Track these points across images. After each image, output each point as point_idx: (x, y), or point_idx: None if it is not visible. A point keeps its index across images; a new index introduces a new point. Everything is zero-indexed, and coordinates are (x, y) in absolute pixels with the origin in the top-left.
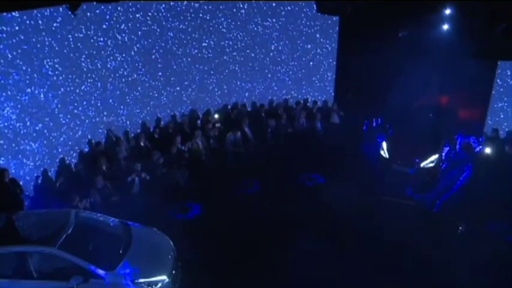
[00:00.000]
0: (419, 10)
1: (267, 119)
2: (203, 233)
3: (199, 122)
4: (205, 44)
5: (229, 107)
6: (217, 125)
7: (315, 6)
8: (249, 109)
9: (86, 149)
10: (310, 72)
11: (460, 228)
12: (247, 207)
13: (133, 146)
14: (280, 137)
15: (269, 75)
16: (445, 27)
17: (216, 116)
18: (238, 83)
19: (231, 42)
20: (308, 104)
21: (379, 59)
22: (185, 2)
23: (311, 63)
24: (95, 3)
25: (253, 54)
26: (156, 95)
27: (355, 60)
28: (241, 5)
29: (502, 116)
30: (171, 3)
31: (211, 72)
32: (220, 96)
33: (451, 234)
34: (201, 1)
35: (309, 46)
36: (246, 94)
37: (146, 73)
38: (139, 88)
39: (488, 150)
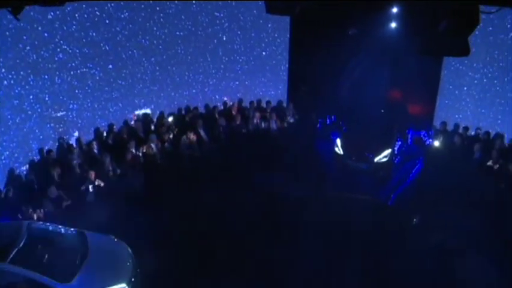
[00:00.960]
0: (367, 9)
1: (220, 120)
2: (162, 239)
3: (153, 126)
4: (157, 35)
5: (183, 110)
6: (171, 129)
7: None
8: (202, 111)
9: (37, 158)
10: (263, 62)
11: (415, 219)
12: (205, 210)
13: (86, 152)
14: (235, 139)
15: (222, 66)
16: (393, 25)
17: (170, 119)
18: (191, 75)
19: (182, 33)
20: (262, 105)
21: (330, 57)
22: None
23: (264, 53)
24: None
25: (203, 45)
26: (106, 88)
27: (306, 59)
28: None
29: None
30: None
31: (164, 64)
32: (173, 88)
33: (406, 226)
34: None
35: (262, 35)
36: (199, 86)
37: (96, 66)
38: (89, 82)
39: (437, 143)
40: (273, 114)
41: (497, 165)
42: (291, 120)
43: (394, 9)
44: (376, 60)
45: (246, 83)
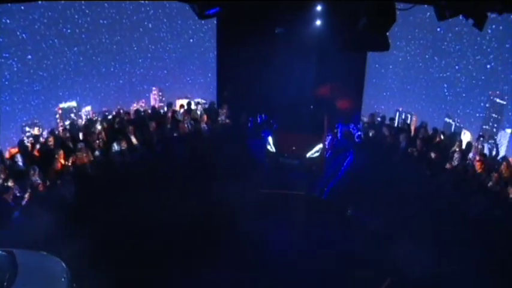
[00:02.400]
0: (292, 8)
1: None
2: (97, 252)
3: (81, 134)
4: (79, 24)
5: (110, 116)
6: (101, 136)
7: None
8: (132, 117)
9: None
10: (191, 49)
11: (349, 211)
12: (140, 219)
13: (9, 166)
14: (167, 143)
15: (149, 55)
16: (318, 23)
17: (99, 127)
18: (117, 65)
19: (106, 22)
20: (193, 107)
21: (258, 56)
22: None
23: (191, 40)
24: None
25: (128, 33)
26: (26, 80)
27: (234, 58)
28: None
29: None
30: None
31: (88, 54)
32: (98, 80)
33: (340, 218)
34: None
35: (189, 22)
36: (126, 77)
37: (13, 56)
38: (6, 73)
39: (366, 136)
40: (203, 116)
41: (417, 153)
42: (223, 121)
43: (319, 8)
44: (304, 58)
45: (175, 71)
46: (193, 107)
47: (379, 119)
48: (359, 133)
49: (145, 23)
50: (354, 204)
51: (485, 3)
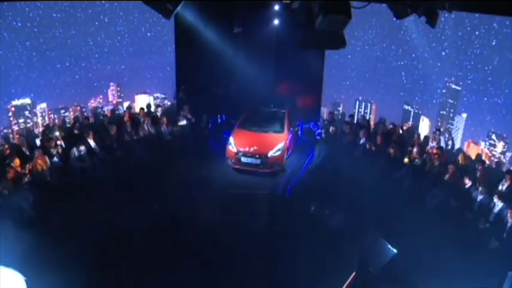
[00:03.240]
0: (250, 7)
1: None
2: (59, 264)
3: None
4: (30, 17)
5: (67, 121)
6: (59, 142)
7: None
8: (91, 121)
9: None
10: (149, 43)
11: (312, 207)
12: (102, 227)
13: None
14: (127, 146)
15: (105, 50)
16: (276, 22)
17: (57, 133)
18: (73, 60)
19: (59, 15)
20: (153, 109)
21: (217, 57)
22: None
23: (149, 34)
24: None
25: (83, 27)
26: None
27: (193, 59)
28: None
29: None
30: None
31: (41, 48)
32: (53, 75)
33: (303, 215)
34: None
35: (146, 15)
36: (82, 72)
37: None
38: None
39: (327, 133)
40: (163, 118)
41: (375, 148)
42: (183, 123)
43: (276, 7)
44: (263, 57)
45: (133, 66)
46: (152, 109)
47: (340, 116)
48: (319, 130)
49: (101, 16)
50: (317, 201)
51: (435, 2)
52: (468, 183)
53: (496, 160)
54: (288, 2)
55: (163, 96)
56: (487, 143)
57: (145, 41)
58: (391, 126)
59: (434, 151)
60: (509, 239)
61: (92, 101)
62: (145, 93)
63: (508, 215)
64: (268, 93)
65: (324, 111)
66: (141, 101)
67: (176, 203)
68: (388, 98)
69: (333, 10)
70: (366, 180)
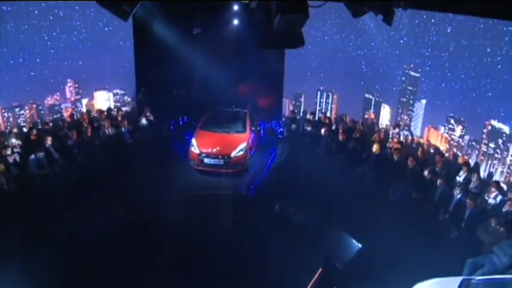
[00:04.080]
0: (208, 8)
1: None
2: (22, 267)
3: None
4: None
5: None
6: (16, 149)
7: None
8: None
9: None
10: (107, 38)
11: (276, 206)
12: (63, 231)
13: None
14: (87, 151)
15: (61, 45)
16: (235, 22)
17: (14, 140)
18: (27, 56)
19: (10, 8)
20: (112, 112)
21: (176, 58)
22: None
23: (106, 29)
24: None
25: (36, 22)
26: None
27: (152, 60)
28: None
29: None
30: None
31: None
32: (7, 72)
33: (268, 214)
34: None
35: (103, 10)
36: (38, 68)
37: None
38: None
39: (289, 131)
40: (124, 121)
41: (335, 144)
42: (144, 122)
43: (236, 7)
44: (223, 58)
45: (91, 62)
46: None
47: (302, 113)
48: (281, 129)
49: (56, 11)
50: (281, 199)
51: (391, 1)
52: (428, 175)
53: (453, 151)
54: (247, 2)
55: (122, 92)
56: (446, 128)
57: (103, 36)
58: (351, 122)
59: (395, 146)
60: (467, 228)
61: (49, 99)
62: (104, 89)
63: (467, 205)
64: (230, 93)
65: (286, 105)
66: (100, 98)
67: (139, 206)
68: (349, 87)
69: (291, 9)
70: (329, 176)
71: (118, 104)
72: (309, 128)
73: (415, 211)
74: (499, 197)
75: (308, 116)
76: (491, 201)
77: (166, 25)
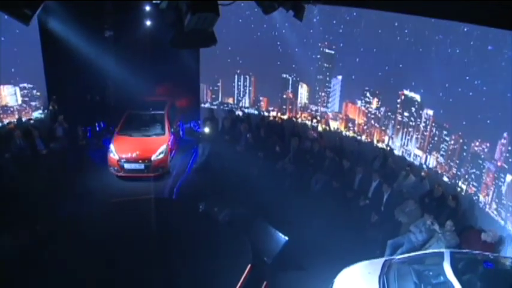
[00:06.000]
0: (118, 10)
1: None
2: None
3: None
4: None
5: None
6: None
7: None
8: None
9: None
10: (12, 30)
11: (201, 207)
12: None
13: None
14: None
15: None
16: (148, 23)
17: None
18: None
19: None
20: (22, 121)
21: (89, 62)
22: None
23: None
24: None
25: None
26: None
27: (62, 65)
28: None
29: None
30: None
31: None
32: None
33: (193, 215)
34: None
35: None
36: None
37: None
38: None
39: (207, 130)
40: (35, 131)
41: (252, 140)
42: (61, 134)
43: (147, 8)
44: (138, 60)
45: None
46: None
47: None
48: (200, 129)
49: None
50: (205, 199)
51: None
52: (346, 164)
53: (371, 123)
54: (158, 2)
55: (30, 86)
56: (363, 101)
57: (8, 27)
58: (271, 118)
59: (314, 137)
60: (386, 211)
61: None
62: (9, 83)
63: (384, 189)
64: (147, 96)
65: (204, 90)
66: (6, 92)
67: (58, 219)
68: (266, 69)
69: (201, 8)
70: (251, 172)
71: (26, 99)
72: (227, 126)
73: (336, 200)
74: (413, 179)
75: (226, 115)
76: (406, 183)
77: (74, 28)
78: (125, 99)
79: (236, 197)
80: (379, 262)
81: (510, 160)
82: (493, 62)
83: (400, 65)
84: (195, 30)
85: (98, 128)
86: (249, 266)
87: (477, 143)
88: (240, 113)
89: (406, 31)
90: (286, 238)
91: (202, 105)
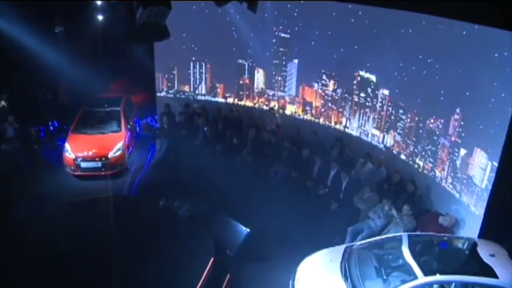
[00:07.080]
0: (67, 5)
1: None
2: None
3: None
4: None
5: None
6: None
7: None
8: None
9: None
10: None
11: (161, 202)
12: None
13: None
14: None
15: None
16: (100, 18)
17: None
18: None
19: None
20: None
21: (39, 59)
22: None
23: None
24: None
25: None
26: None
27: (10, 62)
28: None
29: None
30: None
31: None
32: None
33: (153, 211)
34: None
35: None
36: None
37: None
38: None
39: (165, 125)
40: None
41: (210, 133)
42: (12, 134)
43: (99, 3)
44: (91, 56)
45: None
46: None
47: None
48: (157, 125)
49: None
50: (165, 195)
51: None
52: (305, 153)
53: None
54: None
55: None
56: (320, 84)
57: None
58: (228, 110)
59: (273, 129)
60: (345, 198)
61: None
62: None
63: (343, 177)
64: (101, 92)
65: (160, 79)
66: None
67: (14, 224)
68: (222, 55)
69: (152, 2)
70: (210, 166)
71: None
72: (182, 120)
73: (296, 190)
74: (370, 166)
75: (181, 109)
76: (364, 170)
77: (22, 25)
78: (78, 96)
79: (196, 192)
80: (340, 249)
81: (463, 135)
82: (444, 40)
83: (355, 47)
84: (147, 24)
85: (51, 127)
86: (212, 259)
87: (432, 120)
88: (196, 105)
89: (360, 13)
90: (248, 230)
91: (158, 94)
